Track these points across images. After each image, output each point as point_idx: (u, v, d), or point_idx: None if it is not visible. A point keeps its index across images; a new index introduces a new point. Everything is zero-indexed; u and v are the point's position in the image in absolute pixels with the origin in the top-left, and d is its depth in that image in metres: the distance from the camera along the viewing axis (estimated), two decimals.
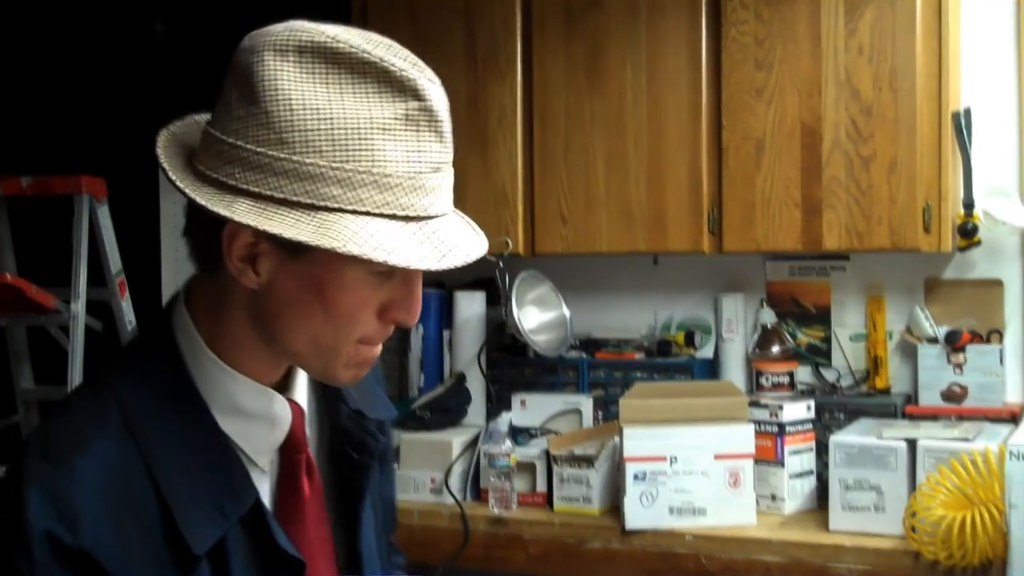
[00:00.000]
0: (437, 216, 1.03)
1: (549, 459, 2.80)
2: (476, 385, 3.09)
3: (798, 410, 2.72)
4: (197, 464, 1.05)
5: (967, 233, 2.73)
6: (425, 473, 2.86)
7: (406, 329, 1.36)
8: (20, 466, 1.02)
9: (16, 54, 4.02)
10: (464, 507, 2.79)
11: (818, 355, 3.03)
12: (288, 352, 1.08)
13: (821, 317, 3.04)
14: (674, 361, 3.07)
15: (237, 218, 0.98)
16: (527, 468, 2.84)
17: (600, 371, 3.12)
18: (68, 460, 1.00)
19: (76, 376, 3.41)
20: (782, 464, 2.68)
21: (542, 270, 3.06)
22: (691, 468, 2.58)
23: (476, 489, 2.87)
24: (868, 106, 2.61)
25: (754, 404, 2.72)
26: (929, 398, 2.83)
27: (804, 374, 3.01)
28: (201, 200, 1.00)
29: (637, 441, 2.59)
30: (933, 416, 2.74)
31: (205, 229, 1.04)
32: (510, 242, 2.94)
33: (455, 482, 2.85)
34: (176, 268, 3.32)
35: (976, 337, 2.83)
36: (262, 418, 1.10)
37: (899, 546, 2.40)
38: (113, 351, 1.08)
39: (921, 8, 2.58)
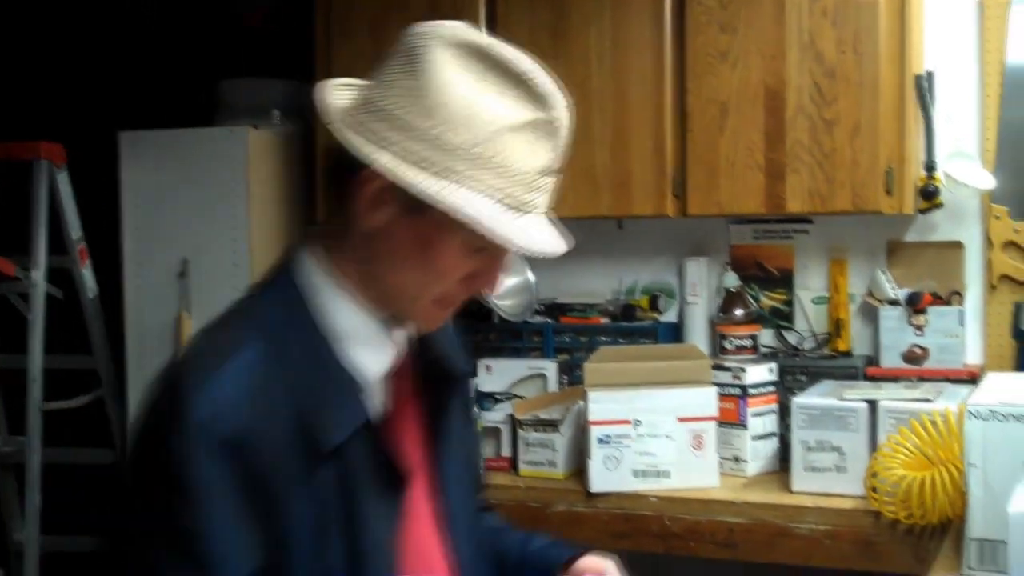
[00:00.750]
0: (534, 212, 1.21)
1: (514, 424, 2.81)
2: None
3: (760, 373, 2.74)
4: (322, 377, 1.21)
5: (928, 195, 2.75)
6: None
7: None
8: (177, 368, 1.20)
9: None
10: None
11: (781, 318, 3.05)
12: (377, 289, 1.24)
13: (784, 280, 3.06)
14: (638, 325, 3.08)
15: (379, 164, 1.15)
16: (492, 433, 2.85)
17: (565, 336, 3.12)
18: (220, 363, 1.17)
19: (37, 344, 3.38)
20: (745, 426, 2.70)
21: None
22: (655, 431, 2.59)
23: None
24: (831, 69, 2.61)
25: (717, 367, 2.73)
26: (890, 360, 2.86)
27: (767, 337, 3.03)
28: (355, 142, 1.17)
29: (601, 405, 2.60)
30: (894, 377, 2.77)
31: (345, 171, 1.21)
32: None
33: None
34: (138, 235, 3.27)
35: (937, 299, 2.85)
36: (375, 344, 1.26)
37: (860, 506, 2.43)
38: (251, 285, 1.32)
39: None
